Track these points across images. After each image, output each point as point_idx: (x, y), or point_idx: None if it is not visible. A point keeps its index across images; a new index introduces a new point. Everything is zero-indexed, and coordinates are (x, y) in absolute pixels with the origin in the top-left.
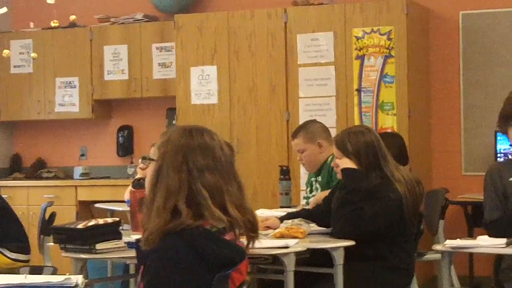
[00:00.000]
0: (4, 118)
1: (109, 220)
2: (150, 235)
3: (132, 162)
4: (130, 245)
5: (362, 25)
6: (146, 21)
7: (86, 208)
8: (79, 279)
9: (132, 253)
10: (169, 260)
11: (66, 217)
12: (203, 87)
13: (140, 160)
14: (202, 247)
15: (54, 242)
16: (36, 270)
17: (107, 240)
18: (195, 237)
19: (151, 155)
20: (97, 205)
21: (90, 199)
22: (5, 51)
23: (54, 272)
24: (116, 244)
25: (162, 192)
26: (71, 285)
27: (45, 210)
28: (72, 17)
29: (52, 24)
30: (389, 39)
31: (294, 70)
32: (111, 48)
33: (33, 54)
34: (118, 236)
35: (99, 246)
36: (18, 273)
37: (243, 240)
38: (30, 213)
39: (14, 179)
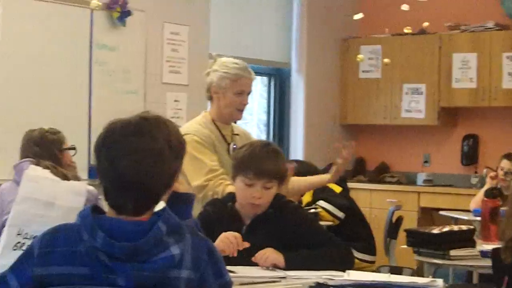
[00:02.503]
0: (350, 121)
1: (464, 227)
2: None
3: (476, 172)
4: (483, 254)
5: None
6: (497, 30)
7: (427, 214)
8: (440, 282)
9: (484, 262)
10: None
11: (407, 222)
12: None
13: (484, 170)
14: None
15: (407, 245)
16: (396, 270)
17: (461, 247)
18: None
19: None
20: (441, 212)
21: (432, 206)
22: (359, 56)
23: (413, 274)
24: (469, 251)
25: None
26: None
27: (392, 213)
28: (425, 24)
29: (405, 31)
30: None
31: None
32: (460, 56)
33: (386, 60)
34: (472, 244)
35: (453, 252)
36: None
37: None
38: (372, 216)
39: (358, 181)
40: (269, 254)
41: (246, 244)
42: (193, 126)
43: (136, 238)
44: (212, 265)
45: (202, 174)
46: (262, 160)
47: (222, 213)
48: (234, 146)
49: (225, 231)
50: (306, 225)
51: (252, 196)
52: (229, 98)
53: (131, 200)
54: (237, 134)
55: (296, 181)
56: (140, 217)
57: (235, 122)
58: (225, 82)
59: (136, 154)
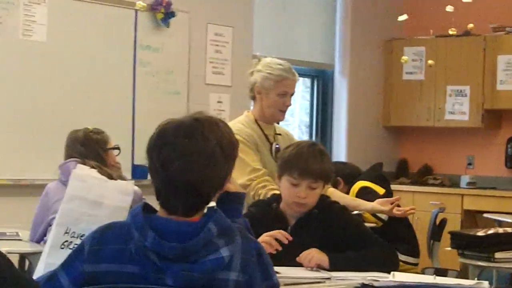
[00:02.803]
0: (393, 123)
1: (509, 229)
2: None
3: None
4: None
5: None
6: None
7: (471, 217)
8: (486, 285)
9: None
10: None
11: (450, 224)
12: None
13: None
14: None
15: (451, 247)
16: (441, 272)
17: (506, 250)
18: None
19: None
20: (485, 215)
21: (475, 209)
22: (404, 58)
23: (458, 275)
24: None
25: None
26: None
27: (436, 216)
28: (470, 26)
29: (450, 32)
30: None
31: None
32: (505, 57)
33: (430, 61)
34: None
35: (498, 255)
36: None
37: None
38: (415, 218)
39: (400, 183)
40: (314, 254)
41: (289, 237)
42: (235, 125)
43: (186, 239)
44: (261, 267)
45: (244, 173)
46: (308, 160)
47: (266, 214)
48: (277, 146)
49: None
50: (352, 226)
51: (297, 195)
52: (272, 99)
53: (181, 202)
54: (280, 134)
55: (341, 198)
56: (190, 218)
57: (277, 123)
58: (269, 83)
59: (187, 156)
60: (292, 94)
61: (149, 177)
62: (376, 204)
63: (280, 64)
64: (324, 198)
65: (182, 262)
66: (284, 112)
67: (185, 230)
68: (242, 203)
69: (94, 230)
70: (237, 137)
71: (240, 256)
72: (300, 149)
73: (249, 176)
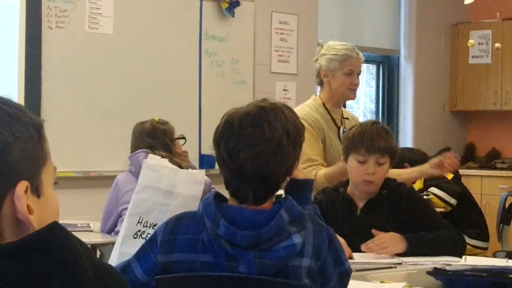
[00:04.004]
0: (459, 108)
1: None
2: None
3: None
4: None
5: None
6: None
7: None
8: None
9: None
10: None
11: None
12: None
13: None
14: None
15: None
16: None
17: None
18: None
19: None
20: None
21: None
22: (470, 41)
23: None
24: None
25: None
26: None
27: (505, 199)
28: None
29: None
30: None
31: None
32: None
33: (497, 44)
34: None
35: None
36: None
37: None
38: (483, 202)
39: (468, 168)
40: (388, 243)
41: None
42: (303, 109)
43: (258, 227)
44: (333, 253)
45: (300, 161)
46: (372, 137)
47: (334, 200)
48: (344, 130)
49: (339, 217)
50: (422, 207)
51: (366, 172)
52: (340, 79)
53: (251, 191)
54: (347, 118)
55: (398, 175)
56: (261, 206)
57: (344, 106)
58: (334, 64)
59: (255, 147)
60: (358, 74)
61: (216, 166)
62: (425, 167)
63: (343, 45)
64: (391, 180)
65: (254, 250)
66: (354, 90)
67: (257, 218)
68: (311, 190)
69: (167, 221)
70: (303, 122)
71: (312, 243)
72: (364, 127)
73: (302, 165)
